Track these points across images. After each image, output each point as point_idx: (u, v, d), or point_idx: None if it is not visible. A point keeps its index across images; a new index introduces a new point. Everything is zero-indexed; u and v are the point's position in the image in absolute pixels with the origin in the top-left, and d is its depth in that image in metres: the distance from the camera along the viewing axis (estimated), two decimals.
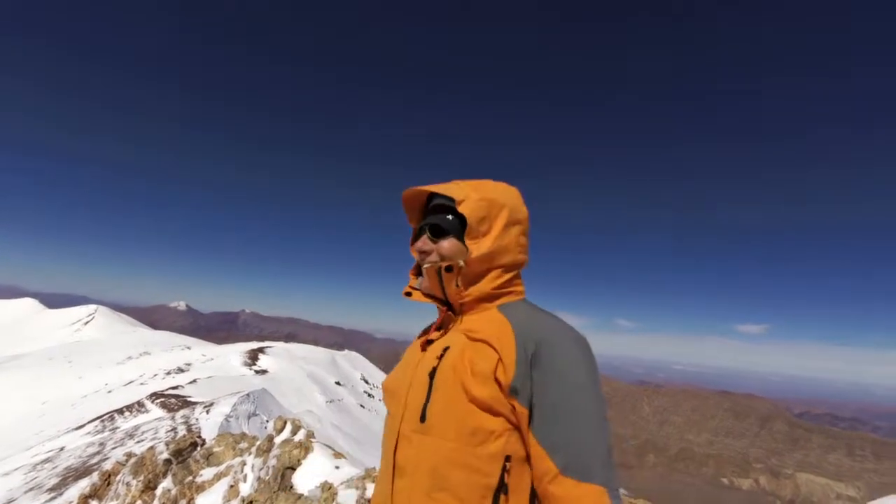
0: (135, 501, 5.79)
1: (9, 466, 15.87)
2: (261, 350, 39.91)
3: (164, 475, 6.12)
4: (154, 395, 23.56)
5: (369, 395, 36.00)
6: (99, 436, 17.72)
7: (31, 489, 11.44)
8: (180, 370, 34.76)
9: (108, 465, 7.70)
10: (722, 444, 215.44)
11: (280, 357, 37.37)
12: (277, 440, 5.94)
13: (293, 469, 5.24)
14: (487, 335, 1.63)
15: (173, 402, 21.62)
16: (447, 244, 1.62)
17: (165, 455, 6.47)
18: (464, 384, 1.62)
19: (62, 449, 16.77)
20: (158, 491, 5.90)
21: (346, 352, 48.92)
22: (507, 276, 1.63)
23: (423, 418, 1.61)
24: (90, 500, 6.60)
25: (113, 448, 13.70)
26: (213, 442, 7.00)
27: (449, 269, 1.62)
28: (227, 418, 13.64)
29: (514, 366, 1.62)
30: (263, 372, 32.66)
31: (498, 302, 1.63)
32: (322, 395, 28.53)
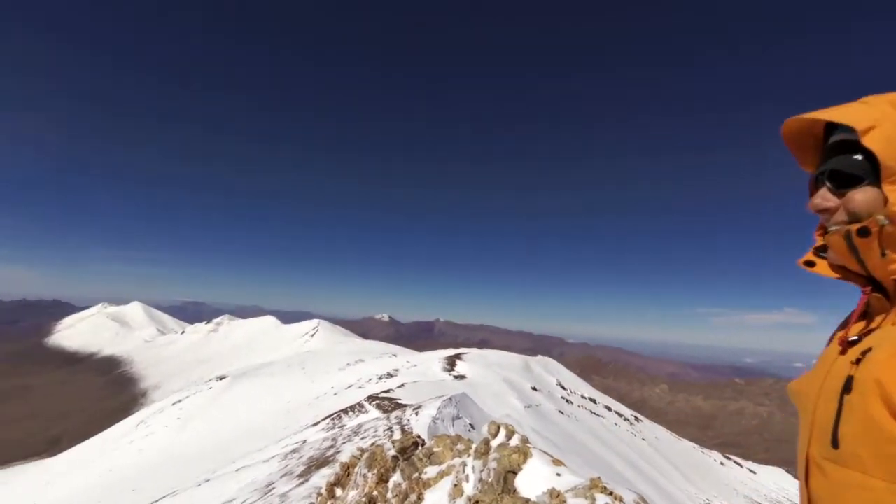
0: (372, 492, 6.34)
1: (267, 455, 19.34)
2: (458, 356, 42.38)
3: (394, 470, 6.61)
4: (371, 398, 26.56)
5: (567, 402, 35.20)
6: (331, 432, 20.49)
7: (284, 475, 13.63)
8: (390, 375, 38.77)
9: (343, 458, 8.66)
10: None
11: (476, 363, 39.07)
12: (493, 444, 5.92)
13: (514, 473, 5.14)
14: None
15: (386, 403, 24.02)
16: (859, 196, 1.07)
17: (392, 452, 7.00)
18: (892, 406, 1.09)
19: (304, 442, 19.76)
20: (390, 484, 6.38)
21: (540, 357, 48.87)
22: None
23: (834, 443, 1.12)
24: (335, 488, 7.48)
25: (343, 443, 15.61)
26: (432, 442, 7.37)
27: (864, 231, 1.06)
28: (434, 420, 14.52)
29: None
30: (462, 377, 34.41)
31: None
32: (519, 401, 28.72)
